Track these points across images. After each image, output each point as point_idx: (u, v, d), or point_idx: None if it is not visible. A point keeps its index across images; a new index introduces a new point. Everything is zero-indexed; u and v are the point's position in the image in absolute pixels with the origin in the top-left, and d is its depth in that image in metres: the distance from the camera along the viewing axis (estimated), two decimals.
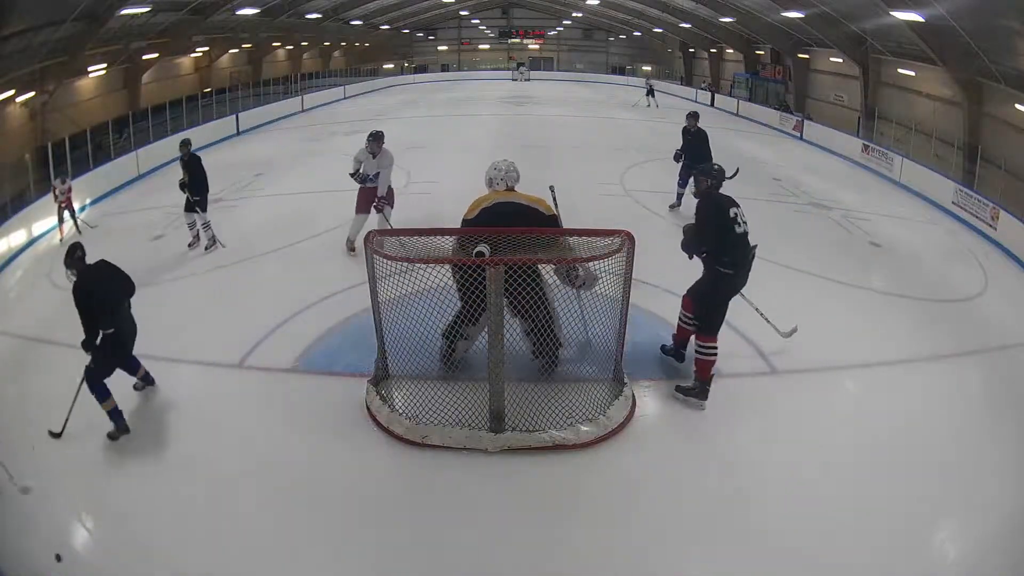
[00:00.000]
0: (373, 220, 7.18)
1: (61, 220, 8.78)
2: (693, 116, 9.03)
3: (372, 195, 7.21)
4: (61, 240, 8.53)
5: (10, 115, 12.59)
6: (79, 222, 8.97)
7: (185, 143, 7.68)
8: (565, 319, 4.46)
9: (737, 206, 4.58)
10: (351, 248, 7.25)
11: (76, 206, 8.98)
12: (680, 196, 9.00)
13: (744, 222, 4.51)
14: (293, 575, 3.20)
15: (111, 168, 11.40)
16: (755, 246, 4.61)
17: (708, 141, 8.82)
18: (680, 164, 8.91)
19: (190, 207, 7.58)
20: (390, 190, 7.33)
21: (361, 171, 7.27)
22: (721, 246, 4.46)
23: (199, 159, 7.65)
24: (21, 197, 9.17)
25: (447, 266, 4.17)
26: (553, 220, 4.58)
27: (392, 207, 7.39)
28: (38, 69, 12.21)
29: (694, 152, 8.56)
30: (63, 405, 4.49)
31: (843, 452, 4.12)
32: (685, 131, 9.05)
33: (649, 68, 36.24)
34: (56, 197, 8.74)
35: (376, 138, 7.17)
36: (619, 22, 34.11)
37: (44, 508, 3.60)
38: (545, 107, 22.49)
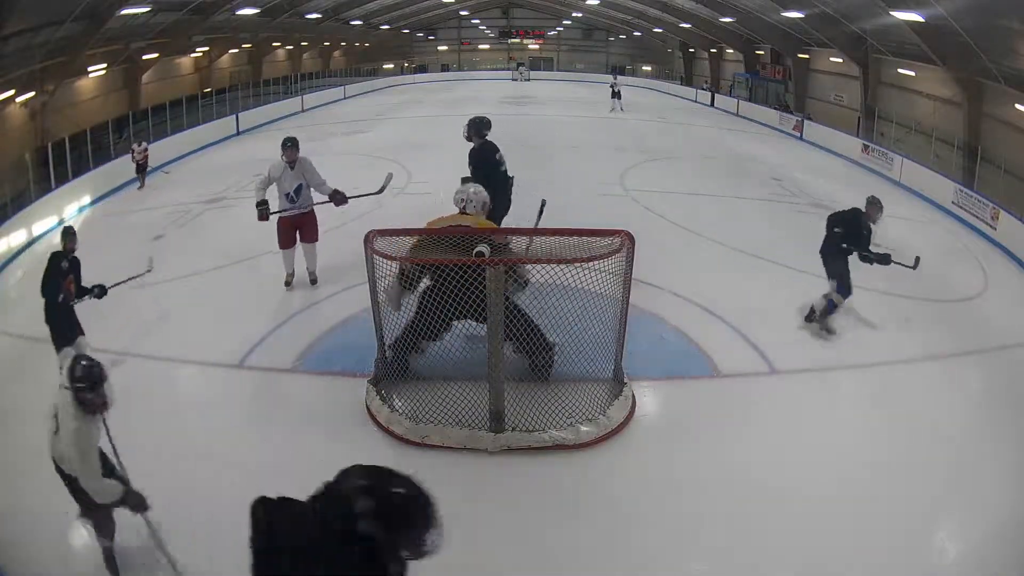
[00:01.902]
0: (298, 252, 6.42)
1: (139, 174, 11.40)
2: (878, 206, 5.71)
3: (301, 222, 6.24)
4: (140, 188, 11.30)
5: (10, 115, 12.58)
6: (145, 178, 11.44)
7: (69, 231, 4.94)
8: (549, 322, 4.42)
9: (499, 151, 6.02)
10: (288, 283, 6.39)
11: (150, 167, 11.58)
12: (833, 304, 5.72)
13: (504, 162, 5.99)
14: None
15: (111, 168, 11.40)
16: (513, 177, 5.95)
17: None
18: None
19: (73, 333, 4.68)
20: (337, 192, 6.33)
21: (279, 190, 6.11)
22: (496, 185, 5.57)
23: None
24: (21, 197, 9.17)
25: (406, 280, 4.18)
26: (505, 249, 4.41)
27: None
28: (38, 69, 12.20)
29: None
30: None
31: (842, 452, 4.13)
32: (863, 219, 5.64)
33: (649, 68, 36.24)
34: (134, 157, 11.28)
35: (294, 144, 6.13)
36: (619, 22, 34.11)
37: (44, 509, 3.59)
38: (545, 107, 22.47)
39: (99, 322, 5.84)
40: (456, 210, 4.72)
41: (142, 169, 11.38)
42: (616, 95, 20.93)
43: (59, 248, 4.75)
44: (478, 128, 6.13)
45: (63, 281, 4.56)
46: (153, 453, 4.00)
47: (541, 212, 5.12)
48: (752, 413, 4.52)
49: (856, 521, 3.52)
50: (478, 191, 4.77)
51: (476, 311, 4.02)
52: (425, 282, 4.17)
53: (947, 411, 4.69)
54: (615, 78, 23.03)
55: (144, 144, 11.46)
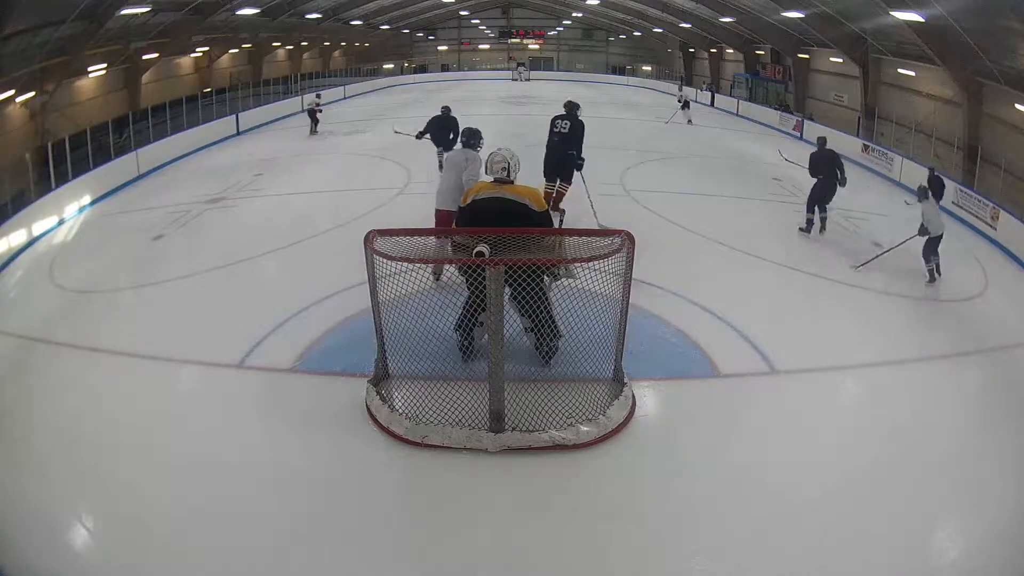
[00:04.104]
0: None
1: (314, 123, 15.97)
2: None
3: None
4: (310, 134, 15.82)
5: (10, 115, 12.58)
6: (319, 127, 15.98)
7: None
8: (561, 313, 4.51)
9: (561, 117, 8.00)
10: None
11: (320, 116, 16.21)
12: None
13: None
14: (293, 575, 3.20)
15: (111, 168, 11.40)
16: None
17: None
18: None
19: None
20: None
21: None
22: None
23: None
24: (21, 197, 9.17)
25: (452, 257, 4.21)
26: (544, 216, 4.61)
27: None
28: (38, 69, 12.20)
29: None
30: (62, 404, 4.51)
31: (842, 452, 4.12)
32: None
33: (649, 68, 36.25)
34: (312, 107, 16.17)
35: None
36: (619, 22, 34.12)
37: (45, 509, 3.59)
38: (546, 107, 22.42)
39: (101, 322, 5.87)
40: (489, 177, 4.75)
41: (313, 116, 15.91)
42: (685, 105, 19.38)
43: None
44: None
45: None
46: (153, 453, 4.01)
47: (560, 221, 5.15)
48: (752, 413, 4.51)
49: (856, 521, 3.52)
50: (515, 154, 4.76)
51: (514, 299, 4.25)
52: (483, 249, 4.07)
53: (947, 411, 4.69)
54: (681, 88, 21.44)
55: (320, 96, 16.96)
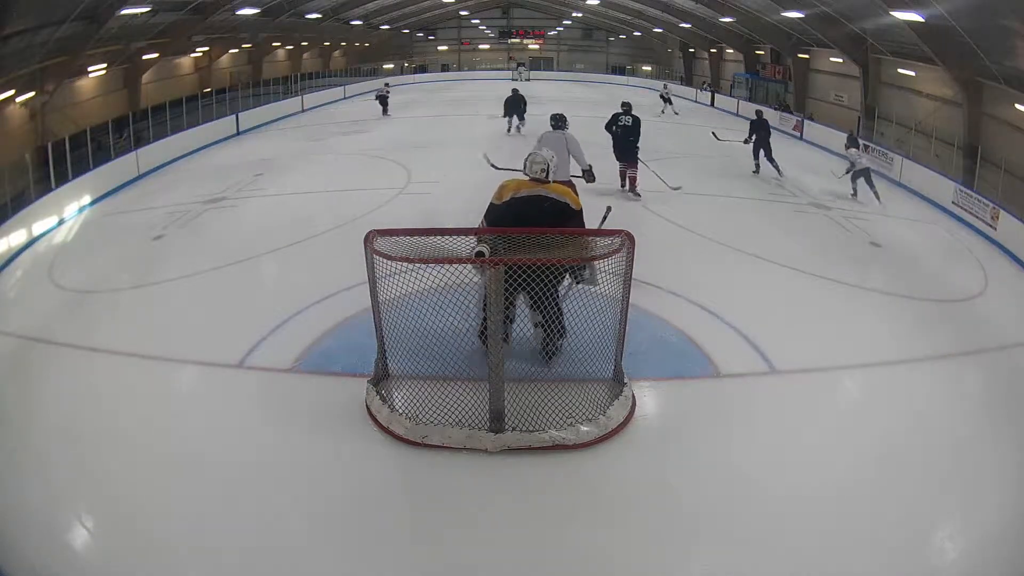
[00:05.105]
0: None
1: (383, 105, 19.00)
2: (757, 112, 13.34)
3: None
4: (383, 115, 18.79)
5: (10, 115, 12.57)
6: (389, 110, 19.07)
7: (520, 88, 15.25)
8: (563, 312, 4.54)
9: (623, 114, 9.93)
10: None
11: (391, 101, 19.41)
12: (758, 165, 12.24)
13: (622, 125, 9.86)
14: (292, 575, 3.20)
15: (111, 168, 11.41)
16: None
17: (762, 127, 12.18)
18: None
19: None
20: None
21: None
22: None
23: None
24: (21, 197, 9.17)
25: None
26: (580, 215, 4.70)
27: None
28: (38, 69, 12.20)
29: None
30: (62, 404, 4.52)
31: (842, 452, 4.12)
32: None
33: (649, 68, 36.26)
34: (381, 93, 19.35)
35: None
36: (619, 22, 34.11)
37: (46, 508, 3.60)
38: (546, 107, 22.37)
39: (101, 322, 5.87)
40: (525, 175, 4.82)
41: (384, 101, 18.95)
42: (667, 101, 22.19)
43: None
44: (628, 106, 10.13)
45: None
46: (153, 453, 4.01)
47: (605, 218, 5.28)
48: (752, 413, 4.51)
49: (856, 521, 3.52)
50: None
51: (529, 294, 4.24)
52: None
53: (947, 411, 4.69)
54: (665, 87, 24.13)
55: (389, 85, 20.75)
